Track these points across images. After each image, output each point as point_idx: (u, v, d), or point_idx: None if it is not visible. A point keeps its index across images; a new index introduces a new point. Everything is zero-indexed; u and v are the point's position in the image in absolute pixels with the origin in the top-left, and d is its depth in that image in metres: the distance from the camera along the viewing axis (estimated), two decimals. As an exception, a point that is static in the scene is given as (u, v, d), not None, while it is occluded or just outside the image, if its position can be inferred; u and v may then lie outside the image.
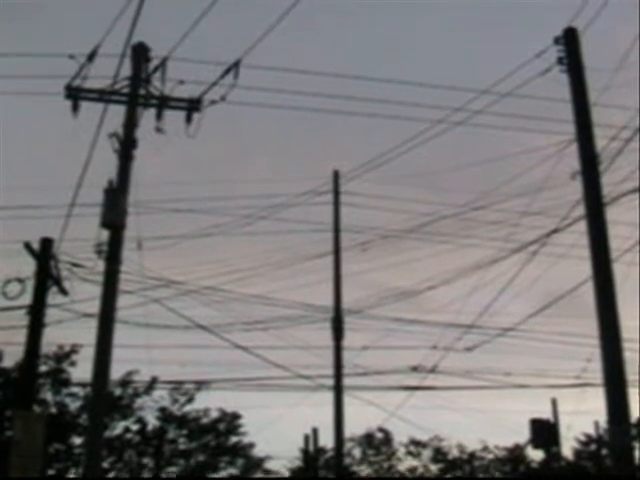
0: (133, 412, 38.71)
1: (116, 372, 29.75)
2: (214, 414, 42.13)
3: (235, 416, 42.57)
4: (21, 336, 20.53)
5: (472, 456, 46.36)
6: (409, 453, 46.72)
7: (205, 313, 24.45)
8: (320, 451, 42.30)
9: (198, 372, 40.83)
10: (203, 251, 29.39)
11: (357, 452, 46.86)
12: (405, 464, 46.72)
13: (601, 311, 14.76)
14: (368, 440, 46.85)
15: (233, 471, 43.33)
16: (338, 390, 24.72)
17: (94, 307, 17.08)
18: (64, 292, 20.84)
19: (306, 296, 26.51)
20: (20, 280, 20.50)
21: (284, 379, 25.99)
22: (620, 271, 15.58)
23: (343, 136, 70.30)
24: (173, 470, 41.35)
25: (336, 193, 26.87)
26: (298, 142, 73.91)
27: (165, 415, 40.00)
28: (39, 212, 21.75)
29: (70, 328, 23.08)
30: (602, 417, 16.27)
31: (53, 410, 34.51)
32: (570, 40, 16.58)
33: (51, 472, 33.94)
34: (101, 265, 16.94)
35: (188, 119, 17.98)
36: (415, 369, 26.22)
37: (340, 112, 20.65)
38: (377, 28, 79.62)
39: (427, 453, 46.53)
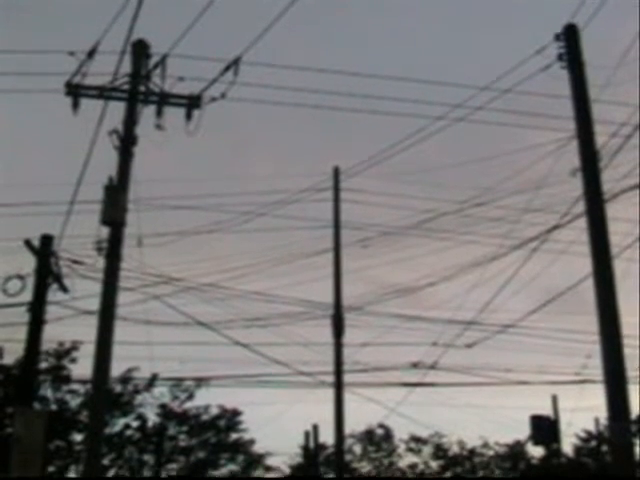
0: (133, 409, 38.75)
1: (116, 369, 29.75)
2: (214, 411, 42.23)
3: (235, 413, 42.62)
4: (21, 333, 20.55)
5: (472, 452, 46.41)
6: (409, 450, 46.79)
7: (205, 310, 24.44)
8: (320, 447, 42.33)
9: (198, 369, 40.81)
10: (203, 248, 29.36)
11: (357, 449, 46.99)
12: (405, 461, 46.85)
13: (601, 307, 14.76)
14: (368, 437, 46.91)
15: (234, 468, 43.41)
16: (338, 387, 24.73)
17: (94, 304, 17.12)
18: (64, 289, 20.83)
19: (306, 293, 26.56)
20: (20, 277, 20.50)
21: (284, 376, 26.00)
22: (620, 267, 15.60)
23: (343, 133, 70.33)
24: (173, 467, 41.42)
25: (336, 190, 26.85)
26: (298, 139, 73.93)
27: (165, 412, 40.05)
28: (39, 209, 21.72)
29: (70, 325, 23.09)
30: (602, 414, 16.32)
31: (54, 407, 34.55)
32: (570, 37, 16.56)
33: (52, 469, 34.01)
34: (101, 262, 16.96)
35: (188, 116, 17.95)
36: (415, 365, 26.24)
37: (340, 109, 20.63)
38: (377, 24, 79.64)
39: (427, 450, 46.61)
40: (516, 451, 45.89)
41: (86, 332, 19.43)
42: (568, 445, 41.73)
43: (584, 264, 15.76)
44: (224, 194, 25.09)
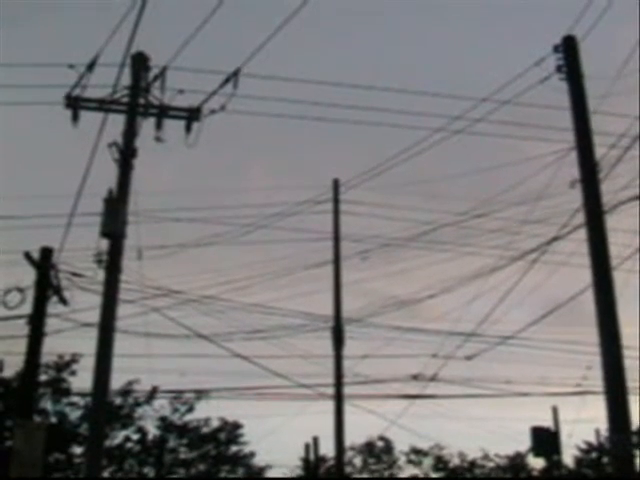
0: (133, 421, 38.69)
1: (116, 381, 29.68)
2: (214, 423, 42.16)
3: (235, 425, 42.55)
4: (21, 346, 20.55)
5: (473, 464, 46.31)
6: (410, 462, 46.69)
7: (205, 322, 24.45)
8: (321, 460, 42.25)
9: (198, 381, 40.86)
10: (203, 260, 29.44)
11: (358, 461, 46.89)
12: (406, 473, 46.71)
13: (601, 319, 14.75)
14: (369, 449, 46.84)
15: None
16: (338, 399, 24.68)
17: (94, 316, 17.08)
18: (64, 301, 20.83)
19: (306, 305, 26.50)
20: (20, 289, 20.50)
21: (284, 388, 25.96)
22: (620, 278, 15.59)
23: (342, 145, 70.37)
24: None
25: (336, 202, 26.86)
26: (298, 151, 74.03)
27: (165, 424, 39.97)
28: (39, 221, 21.74)
29: (70, 337, 23.10)
30: (603, 425, 16.34)
31: (53, 420, 34.48)
32: (569, 48, 16.61)
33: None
34: (101, 274, 16.96)
35: (188, 128, 17.99)
36: (415, 377, 26.19)
37: (339, 121, 20.66)
38: (376, 36, 79.84)
39: (428, 462, 46.51)
40: (517, 463, 45.79)
41: (86, 345, 19.47)
42: (569, 457, 41.70)
43: (584, 275, 15.77)
44: (224, 206, 25.19)
